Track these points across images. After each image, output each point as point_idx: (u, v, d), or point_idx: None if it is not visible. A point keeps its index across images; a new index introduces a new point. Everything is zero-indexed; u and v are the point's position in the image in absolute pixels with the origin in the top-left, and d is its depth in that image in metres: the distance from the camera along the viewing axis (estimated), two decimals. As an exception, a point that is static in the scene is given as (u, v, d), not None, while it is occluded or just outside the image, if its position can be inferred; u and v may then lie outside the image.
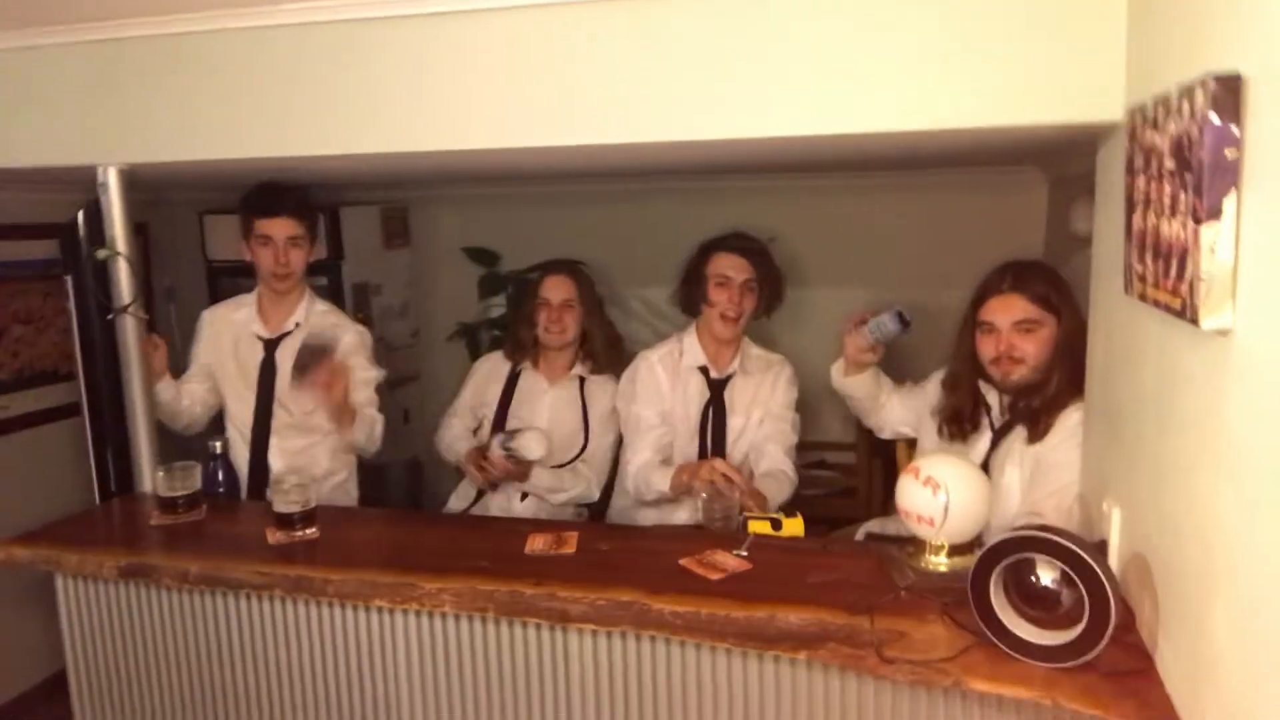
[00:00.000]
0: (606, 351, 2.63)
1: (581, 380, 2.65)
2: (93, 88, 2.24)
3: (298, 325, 2.48)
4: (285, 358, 2.44)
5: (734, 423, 2.48)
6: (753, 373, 2.49)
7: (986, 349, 1.97)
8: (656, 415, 2.46)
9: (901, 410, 2.30)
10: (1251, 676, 1.03)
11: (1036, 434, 1.93)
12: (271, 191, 2.43)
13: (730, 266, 2.38)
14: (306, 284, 2.54)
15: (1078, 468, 1.87)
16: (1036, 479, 1.91)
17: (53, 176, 2.66)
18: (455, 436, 2.69)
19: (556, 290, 2.58)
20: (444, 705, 1.90)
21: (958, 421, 2.07)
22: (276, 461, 2.50)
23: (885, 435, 2.40)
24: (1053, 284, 1.96)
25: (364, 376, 2.46)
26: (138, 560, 2.02)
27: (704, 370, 2.47)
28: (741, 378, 2.48)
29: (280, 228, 2.38)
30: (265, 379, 2.50)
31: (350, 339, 2.49)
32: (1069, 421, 1.90)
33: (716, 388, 2.47)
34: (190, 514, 2.26)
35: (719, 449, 2.46)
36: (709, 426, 2.47)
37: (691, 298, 2.47)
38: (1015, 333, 1.93)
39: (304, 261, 2.45)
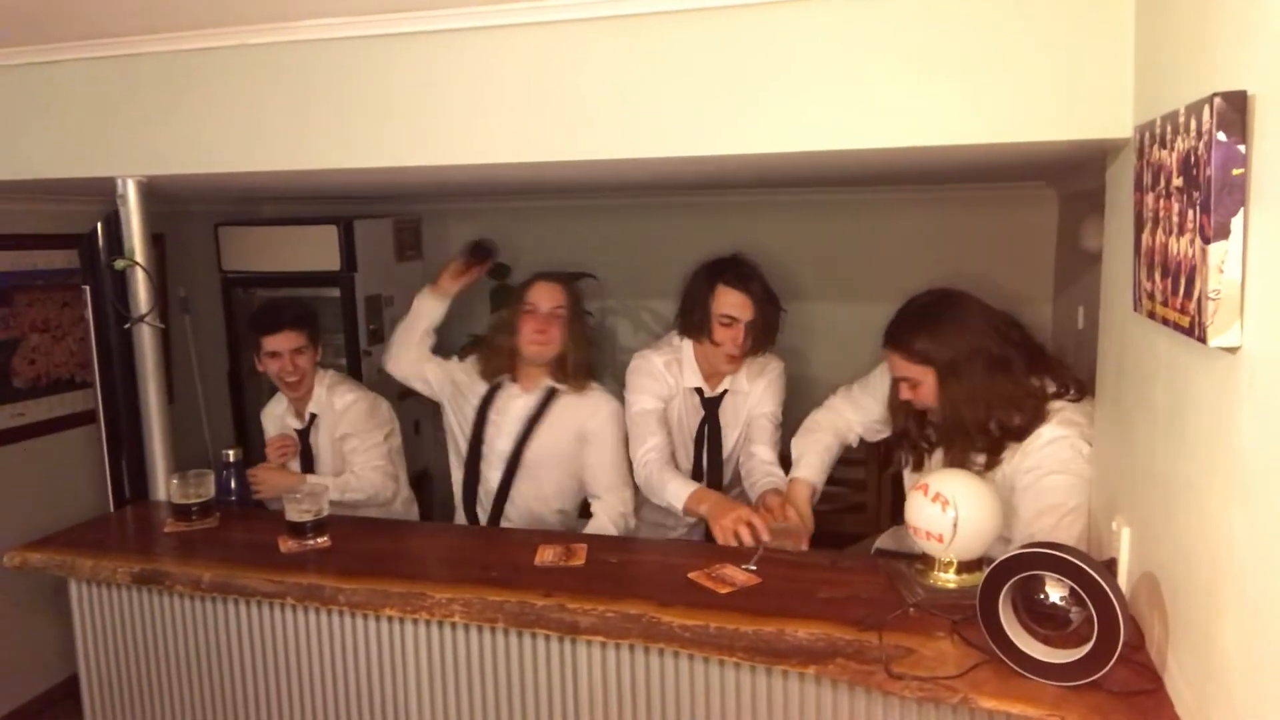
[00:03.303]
0: (577, 371, 2.46)
1: (550, 392, 2.47)
2: (112, 102, 2.28)
3: (314, 416, 2.70)
4: (317, 442, 2.72)
5: (729, 435, 2.48)
6: (744, 388, 2.46)
7: (900, 396, 2.01)
8: (661, 404, 2.41)
9: (868, 417, 2.28)
10: (1262, 698, 1.03)
11: (983, 466, 1.91)
12: (272, 311, 2.68)
13: (735, 306, 2.31)
14: (319, 371, 2.74)
15: (1064, 488, 1.83)
16: (1018, 503, 1.86)
17: (72, 188, 2.71)
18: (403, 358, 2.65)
19: (546, 297, 2.42)
20: (453, 715, 1.91)
21: (909, 446, 2.08)
22: None
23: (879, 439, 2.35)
24: (928, 330, 1.90)
25: (369, 442, 2.66)
26: (151, 567, 2.04)
27: (699, 390, 2.45)
28: (734, 395, 2.46)
29: (285, 341, 2.60)
30: (306, 463, 2.72)
31: (359, 408, 2.68)
32: (1035, 444, 1.85)
33: (710, 405, 2.45)
34: (204, 521, 2.28)
35: (715, 462, 2.46)
36: (704, 442, 2.46)
37: (693, 326, 2.39)
38: (905, 387, 1.96)
39: (311, 364, 2.67)
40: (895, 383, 2.02)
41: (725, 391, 2.46)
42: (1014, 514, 1.87)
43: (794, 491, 2.22)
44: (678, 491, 2.26)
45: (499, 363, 2.49)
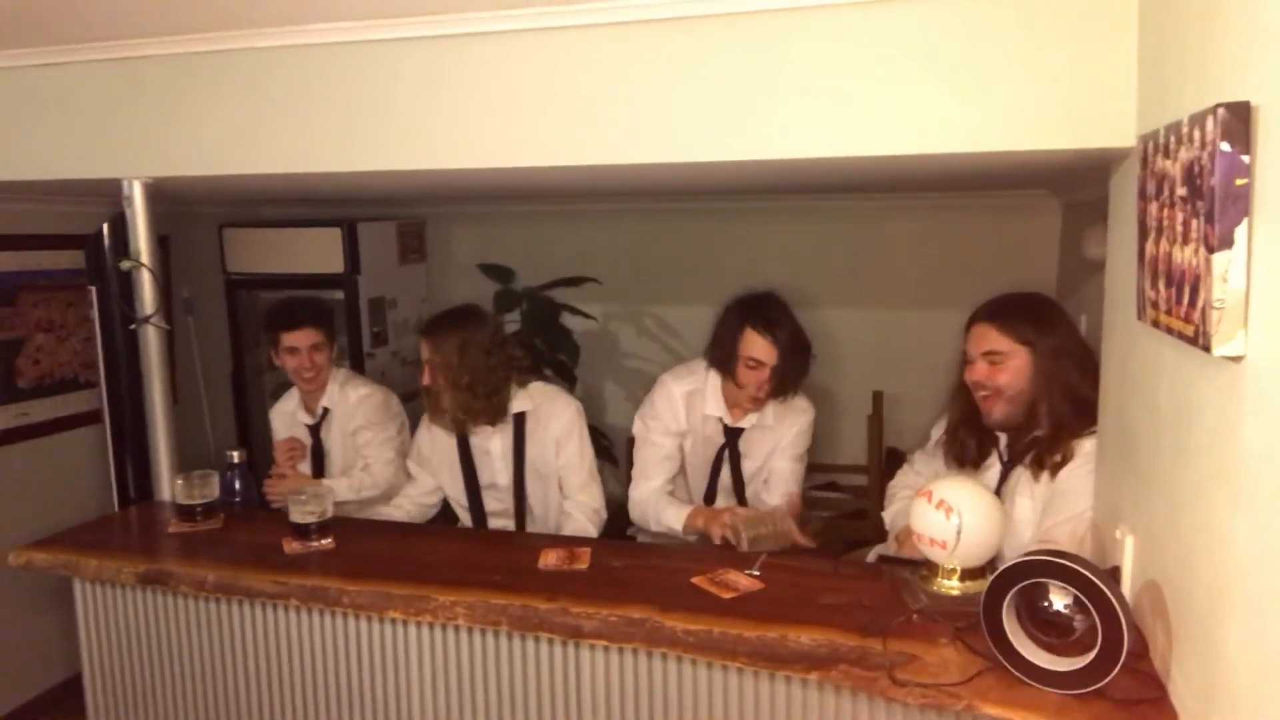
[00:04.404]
0: (487, 401, 2.41)
1: (519, 417, 2.48)
2: (119, 103, 2.29)
3: (326, 410, 2.73)
4: (328, 437, 2.75)
5: (748, 465, 2.48)
6: (769, 423, 2.45)
7: (968, 377, 1.99)
8: (674, 445, 2.45)
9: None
10: (1266, 707, 1.03)
11: (1039, 470, 1.92)
12: (291, 308, 2.72)
13: (762, 351, 2.30)
14: (332, 368, 2.76)
15: (1092, 495, 1.86)
16: (1050, 506, 1.90)
17: (79, 189, 2.72)
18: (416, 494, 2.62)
19: (423, 352, 2.48)
20: (455, 717, 1.91)
21: (958, 443, 2.07)
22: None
23: None
24: (1033, 316, 1.94)
25: (383, 435, 2.69)
26: (155, 567, 2.04)
27: (721, 419, 2.45)
28: (759, 429, 2.46)
29: (303, 338, 2.64)
30: (316, 458, 2.75)
31: (374, 401, 2.72)
32: (1082, 450, 1.88)
33: (732, 435, 2.45)
34: (208, 522, 2.29)
35: (737, 489, 2.47)
36: (721, 470, 2.47)
37: (721, 361, 2.38)
38: (985, 364, 1.94)
39: (327, 361, 2.71)
40: (966, 364, 1.98)
41: (749, 426, 2.45)
42: (1043, 514, 1.89)
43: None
44: (676, 515, 2.36)
45: (444, 417, 2.48)
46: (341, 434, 2.72)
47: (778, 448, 2.47)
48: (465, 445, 2.51)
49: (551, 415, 2.48)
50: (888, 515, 2.27)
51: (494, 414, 2.44)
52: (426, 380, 2.44)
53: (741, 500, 2.48)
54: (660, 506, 2.40)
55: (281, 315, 2.69)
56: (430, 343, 2.44)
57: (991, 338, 1.93)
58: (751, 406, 2.41)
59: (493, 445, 2.49)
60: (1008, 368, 1.91)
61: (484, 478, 2.52)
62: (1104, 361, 1.87)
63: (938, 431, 2.21)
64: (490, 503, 2.55)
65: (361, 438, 2.69)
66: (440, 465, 2.57)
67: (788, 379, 2.35)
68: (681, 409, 2.44)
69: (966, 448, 2.05)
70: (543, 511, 2.56)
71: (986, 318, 1.96)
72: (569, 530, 2.44)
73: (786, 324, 2.33)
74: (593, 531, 2.45)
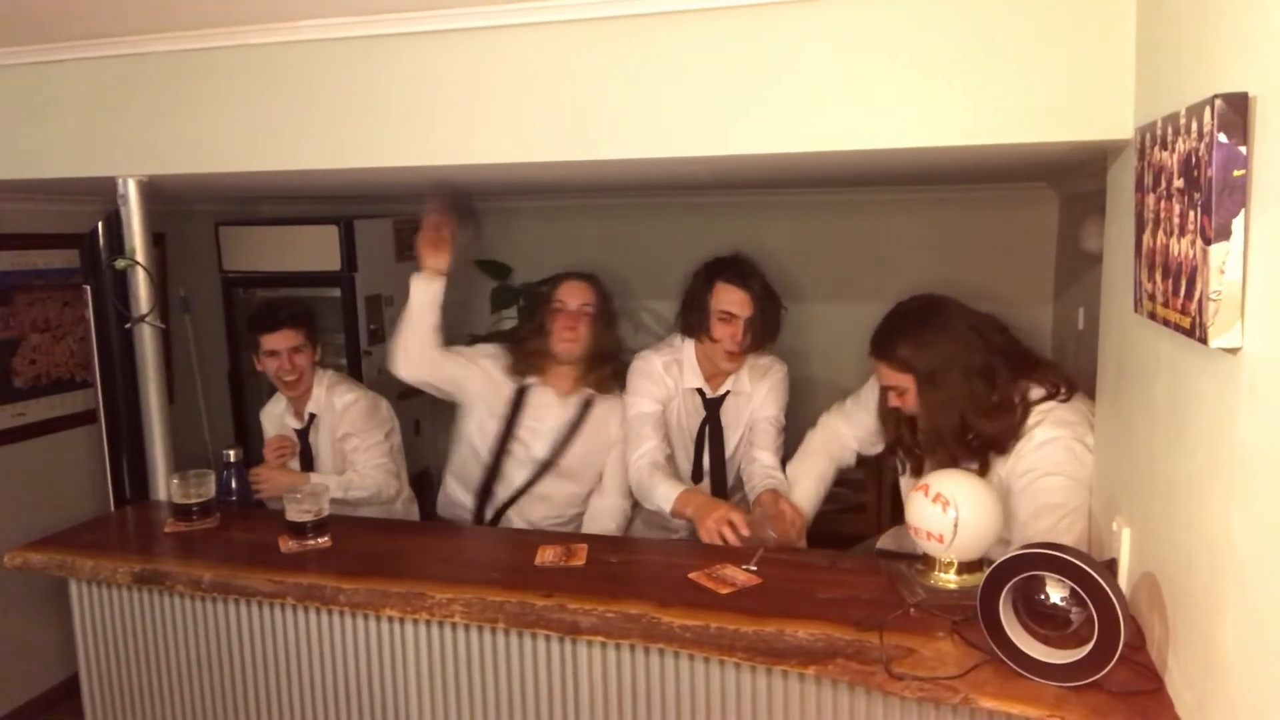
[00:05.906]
0: (609, 370, 2.51)
1: (588, 400, 2.52)
2: (113, 101, 2.29)
3: (313, 416, 2.68)
4: (317, 442, 2.70)
5: (731, 436, 2.48)
6: (746, 389, 2.47)
7: (890, 404, 2.00)
8: (659, 406, 2.42)
9: (863, 430, 2.27)
10: (1262, 698, 1.03)
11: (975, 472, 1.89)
12: (270, 310, 2.66)
13: (734, 302, 2.31)
14: (318, 370, 2.72)
15: (1060, 489, 1.82)
16: (1015, 505, 1.86)
17: (74, 187, 2.71)
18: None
19: (574, 294, 2.47)
20: (453, 715, 1.91)
21: (904, 452, 2.06)
22: None
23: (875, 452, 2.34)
24: (911, 336, 1.89)
25: (370, 441, 2.64)
26: (151, 567, 2.04)
27: (700, 391, 2.46)
28: (735, 396, 2.47)
29: (282, 340, 2.58)
30: (305, 463, 2.70)
31: (359, 407, 2.66)
32: (1029, 446, 1.84)
33: (712, 406, 2.46)
34: (204, 521, 2.28)
35: (718, 463, 2.47)
36: (705, 443, 2.47)
37: (693, 324, 2.39)
38: (893, 394, 1.95)
39: (309, 363, 2.65)
40: (883, 391, 2.02)
41: (727, 393, 2.46)
42: (1012, 516, 1.86)
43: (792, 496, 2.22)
44: (666, 494, 2.25)
45: (529, 364, 2.50)
46: (330, 439, 2.67)
47: (756, 408, 2.48)
48: (520, 400, 2.49)
49: (612, 414, 2.49)
50: (791, 472, 2.30)
51: (605, 382, 2.49)
52: (564, 328, 2.41)
53: (720, 482, 2.46)
54: (654, 481, 2.29)
55: (260, 317, 2.64)
56: (593, 291, 2.47)
57: (883, 373, 1.95)
58: (729, 366, 2.40)
59: (551, 414, 2.49)
60: (908, 396, 1.92)
61: (520, 434, 2.50)
62: (1101, 353, 1.87)
63: (863, 394, 2.25)
64: (512, 468, 2.51)
65: (349, 444, 2.65)
66: (489, 405, 2.52)
67: (763, 332, 2.36)
68: (665, 377, 2.45)
69: (915, 455, 2.04)
70: (534, 512, 2.53)
71: (874, 352, 1.96)
72: (587, 520, 2.43)
73: (758, 276, 2.36)
74: (613, 528, 2.44)
